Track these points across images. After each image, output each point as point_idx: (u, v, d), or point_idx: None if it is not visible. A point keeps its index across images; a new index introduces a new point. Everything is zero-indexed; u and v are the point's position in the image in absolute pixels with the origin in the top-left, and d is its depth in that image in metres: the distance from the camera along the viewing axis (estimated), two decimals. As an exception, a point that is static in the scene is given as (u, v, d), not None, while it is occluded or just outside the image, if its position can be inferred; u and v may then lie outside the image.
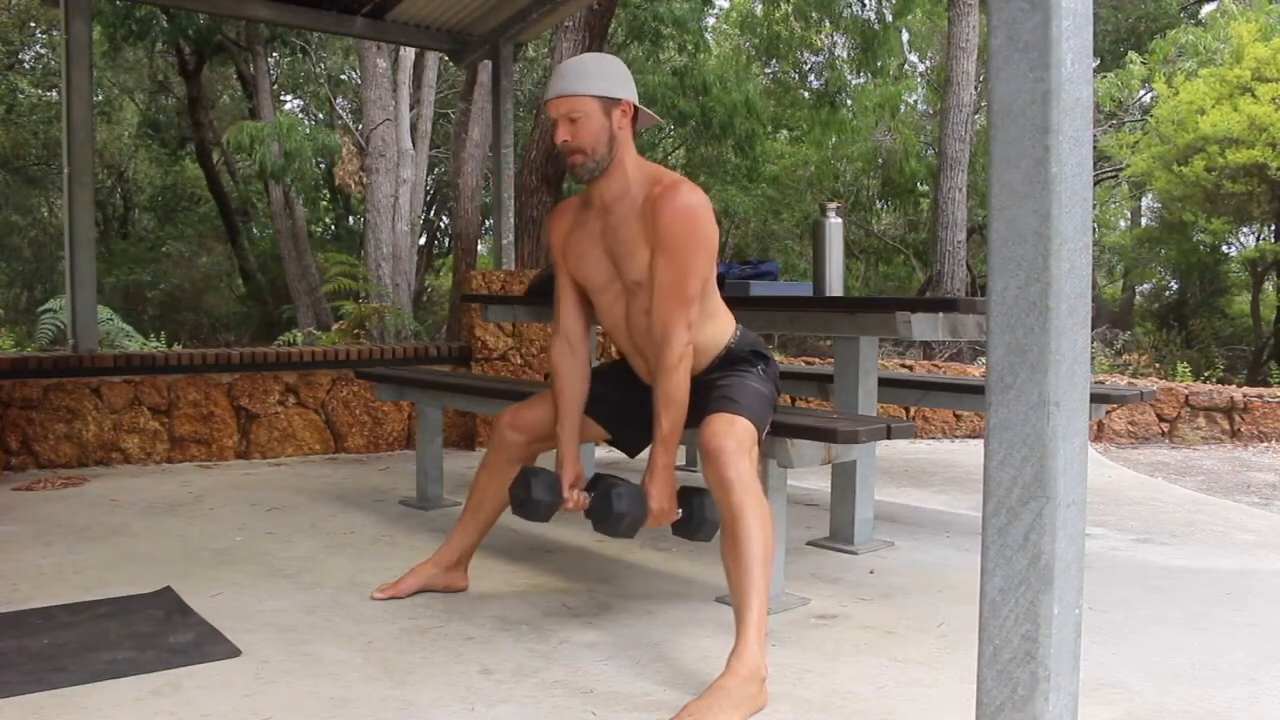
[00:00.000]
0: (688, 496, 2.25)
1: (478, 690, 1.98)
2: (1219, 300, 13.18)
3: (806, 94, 14.06)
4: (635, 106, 2.25)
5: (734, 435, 2.09)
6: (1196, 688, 2.01)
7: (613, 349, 3.86)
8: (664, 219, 2.14)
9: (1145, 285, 15.79)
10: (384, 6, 4.99)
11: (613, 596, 2.60)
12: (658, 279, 2.18)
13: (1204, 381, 8.41)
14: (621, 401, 2.43)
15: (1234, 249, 12.61)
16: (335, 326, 8.23)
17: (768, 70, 14.56)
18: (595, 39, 6.34)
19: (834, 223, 3.23)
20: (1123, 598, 2.64)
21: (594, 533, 3.33)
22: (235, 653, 2.15)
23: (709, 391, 2.25)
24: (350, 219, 15.96)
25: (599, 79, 2.20)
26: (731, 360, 2.33)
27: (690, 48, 11.72)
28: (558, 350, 2.40)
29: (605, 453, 4.59)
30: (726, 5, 14.91)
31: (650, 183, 2.22)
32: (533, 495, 2.28)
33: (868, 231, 15.12)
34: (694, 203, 2.15)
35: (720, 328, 2.34)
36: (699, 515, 2.23)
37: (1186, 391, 5.75)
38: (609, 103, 2.20)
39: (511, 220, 5.63)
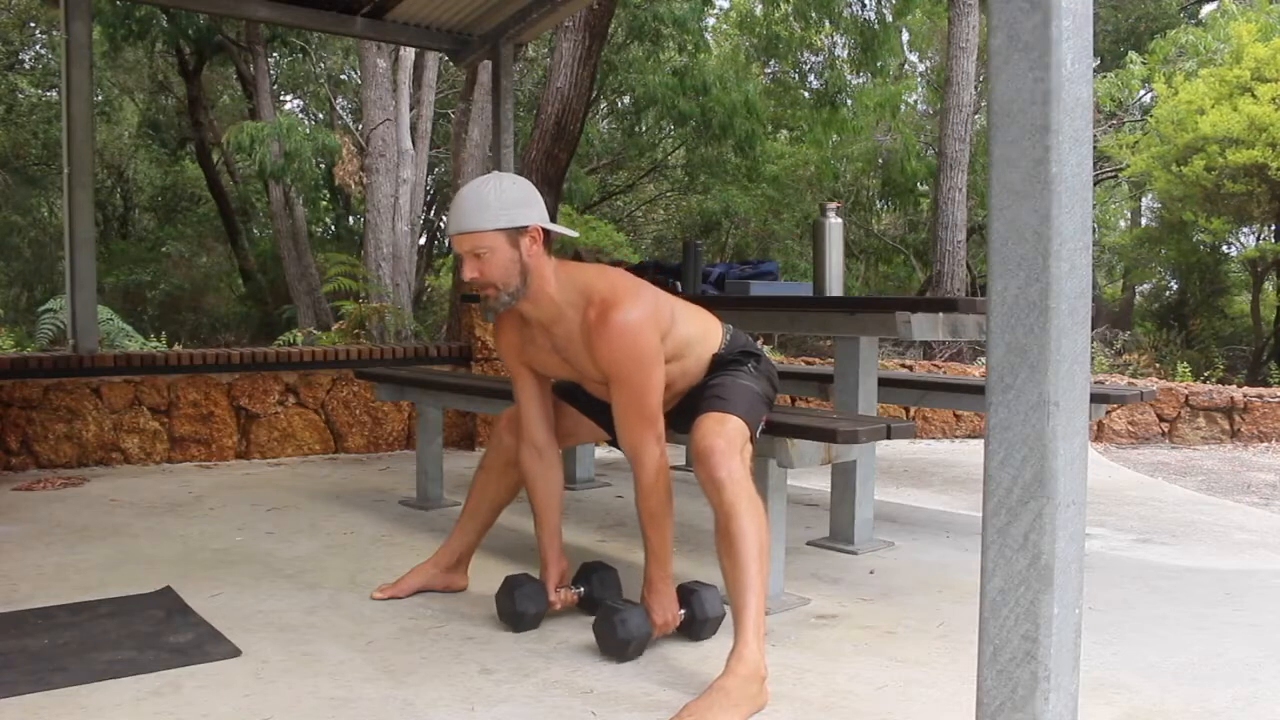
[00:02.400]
0: (686, 597, 2.26)
1: (478, 690, 1.98)
2: (1219, 300, 13.17)
3: (806, 94, 14.06)
4: (544, 228, 2.14)
5: (724, 434, 2.09)
6: (1196, 688, 2.01)
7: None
8: (604, 350, 2.09)
9: (1145, 285, 15.78)
10: (384, 6, 4.98)
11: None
12: (615, 404, 2.15)
13: (1204, 381, 8.41)
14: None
15: (1234, 249, 12.61)
16: (335, 326, 8.23)
17: (768, 70, 14.56)
18: (595, 39, 6.34)
19: (834, 223, 3.23)
20: (1123, 598, 2.64)
21: (596, 531, 3.34)
22: (235, 653, 2.15)
23: (701, 392, 2.26)
24: (350, 219, 15.95)
25: (500, 210, 2.08)
26: (722, 364, 2.33)
27: (690, 48, 11.72)
28: (525, 456, 2.38)
29: (605, 453, 4.59)
30: (726, 5, 14.91)
31: (583, 301, 2.13)
32: (518, 608, 2.29)
33: (868, 231, 15.12)
34: (628, 322, 2.07)
35: (705, 348, 2.32)
36: (700, 615, 2.25)
37: (1186, 391, 5.75)
38: (514, 233, 2.09)
39: (511, 220, 5.61)
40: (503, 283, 2.12)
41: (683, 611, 2.24)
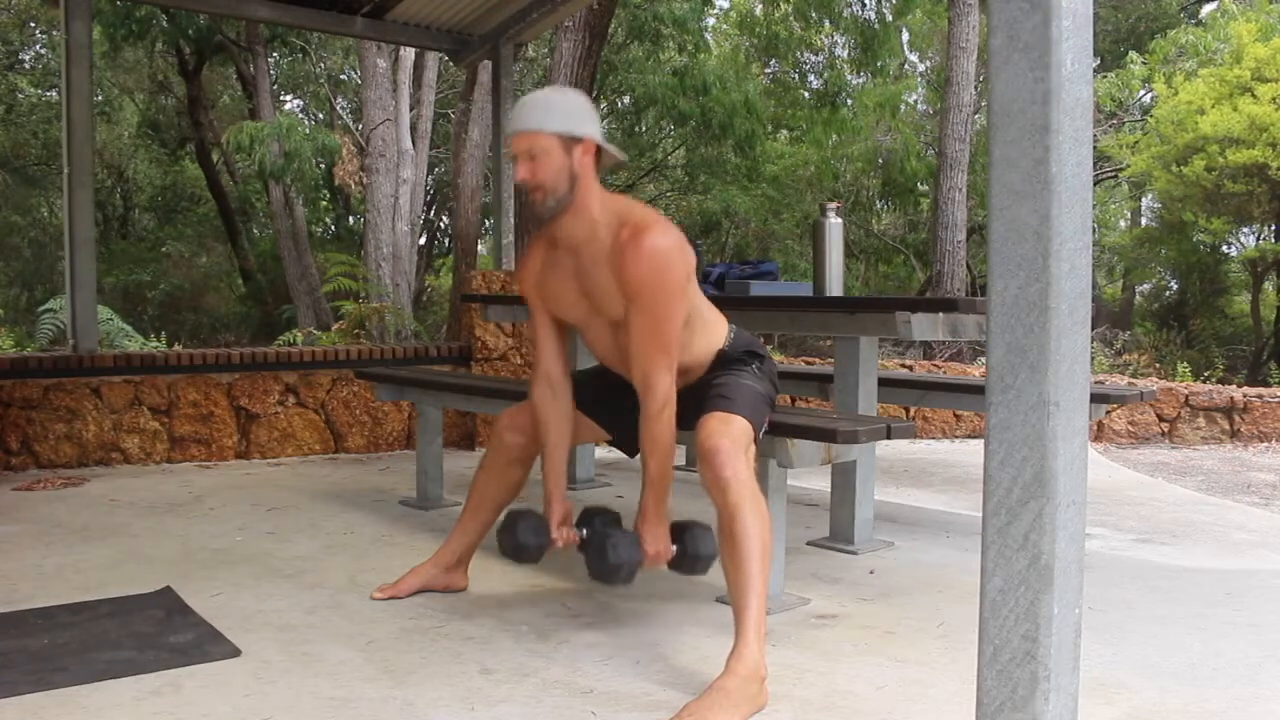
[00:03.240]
0: (680, 533, 2.25)
1: (478, 690, 1.98)
2: (1219, 300, 13.17)
3: (806, 94, 14.06)
4: (599, 145, 2.18)
5: (729, 434, 2.09)
6: (1196, 688, 2.01)
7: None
8: (631, 269, 2.10)
9: (1145, 285, 15.79)
10: (384, 6, 4.99)
11: (613, 597, 2.60)
12: (634, 328, 2.14)
13: (1204, 381, 8.41)
14: (619, 402, 2.43)
15: (1234, 249, 12.61)
16: (335, 326, 8.23)
17: (768, 70, 14.56)
18: (595, 39, 6.34)
19: (834, 223, 3.23)
20: (1123, 598, 2.64)
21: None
22: (235, 653, 2.15)
23: (705, 391, 2.26)
24: (350, 219, 15.96)
25: (561, 115, 2.13)
26: (726, 361, 2.33)
27: (690, 48, 11.72)
28: (539, 391, 2.37)
29: (605, 453, 4.59)
30: (726, 5, 14.91)
31: (618, 224, 2.16)
32: (519, 540, 2.28)
33: (868, 231, 15.12)
34: (662, 246, 2.09)
35: (712, 338, 2.33)
36: (694, 550, 2.23)
37: (1186, 391, 5.75)
38: (570, 140, 2.13)
39: (511, 220, 5.63)
40: (551, 186, 2.14)
41: (675, 547, 2.23)
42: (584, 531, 2.37)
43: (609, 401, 2.44)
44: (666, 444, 2.16)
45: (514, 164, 2.17)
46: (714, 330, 2.34)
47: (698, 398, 2.25)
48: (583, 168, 2.16)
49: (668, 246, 2.10)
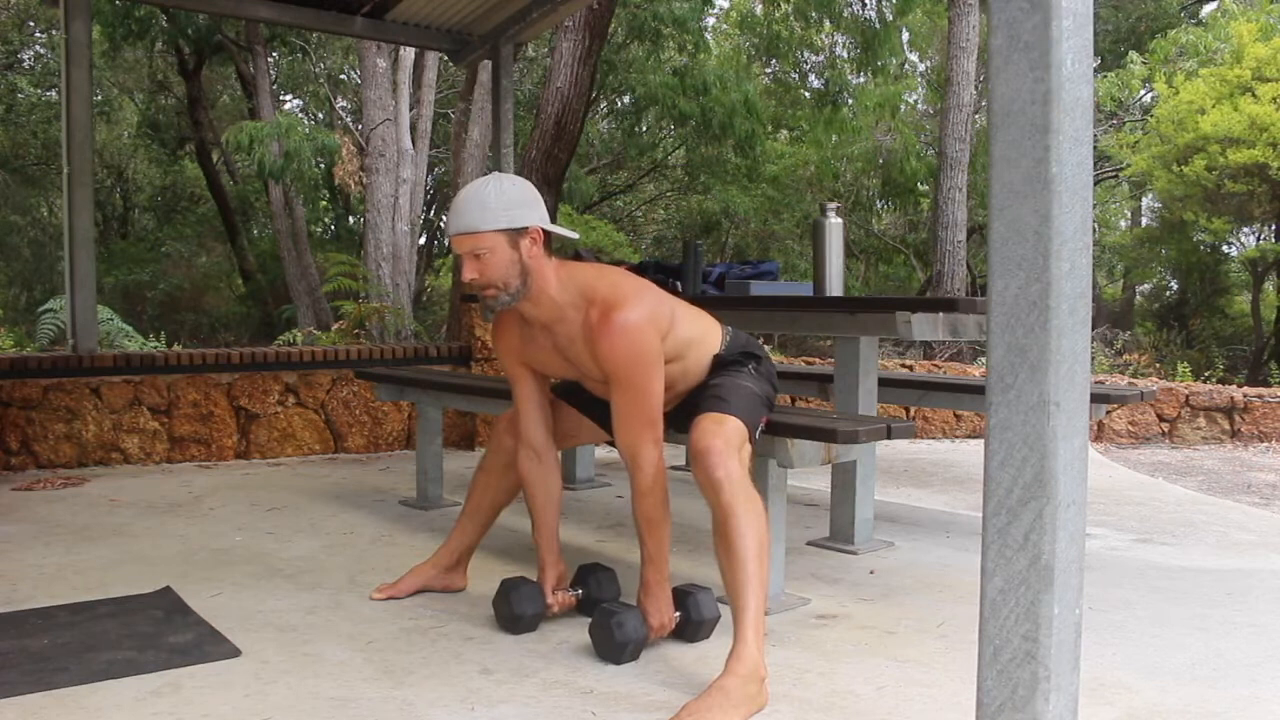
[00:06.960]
0: (682, 600, 2.26)
1: (478, 690, 1.98)
2: (1219, 300, 13.17)
3: (806, 94, 14.06)
4: (545, 229, 2.13)
5: (722, 434, 2.09)
6: (1196, 688, 2.01)
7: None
8: (604, 353, 2.09)
9: (1145, 285, 15.78)
10: (384, 6, 4.98)
11: (613, 596, 2.60)
12: (615, 405, 2.14)
13: (1204, 381, 8.41)
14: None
15: (1234, 249, 12.61)
16: (335, 326, 8.23)
17: (768, 70, 14.56)
18: (595, 39, 6.34)
19: (834, 223, 3.22)
20: (1123, 598, 2.64)
21: (595, 532, 3.34)
22: (235, 653, 2.15)
23: (701, 393, 2.26)
24: (350, 219, 15.95)
25: (500, 210, 2.08)
26: (723, 365, 2.33)
27: (690, 48, 11.72)
28: (524, 458, 2.38)
29: (605, 452, 4.59)
30: (726, 5, 14.91)
31: (584, 301, 2.13)
32: (514, 610, 2.29)
33: (868, 231, 15.12)
34: (630, 324, 2.07)
35: (705, 348, 2.32)
36: (696, 617, 2.25)
37: (1187, 391, 5.75)
38: (514, 233, 2.09)
39: (511, 220, 5.61)
40: (503, 283, 2.11)
41: (678, 614, 2.24)
42: (579, 592, 2.39)
43: (606, 403, 2.44)
44: (660, 519, 2.17)
45: (460, 265, 2.12)
46: (706, 343, 2.33)
47: (694, 399, 2.25)
48: (532, 258, 2.12)
49: (639, 321, 2.08)
